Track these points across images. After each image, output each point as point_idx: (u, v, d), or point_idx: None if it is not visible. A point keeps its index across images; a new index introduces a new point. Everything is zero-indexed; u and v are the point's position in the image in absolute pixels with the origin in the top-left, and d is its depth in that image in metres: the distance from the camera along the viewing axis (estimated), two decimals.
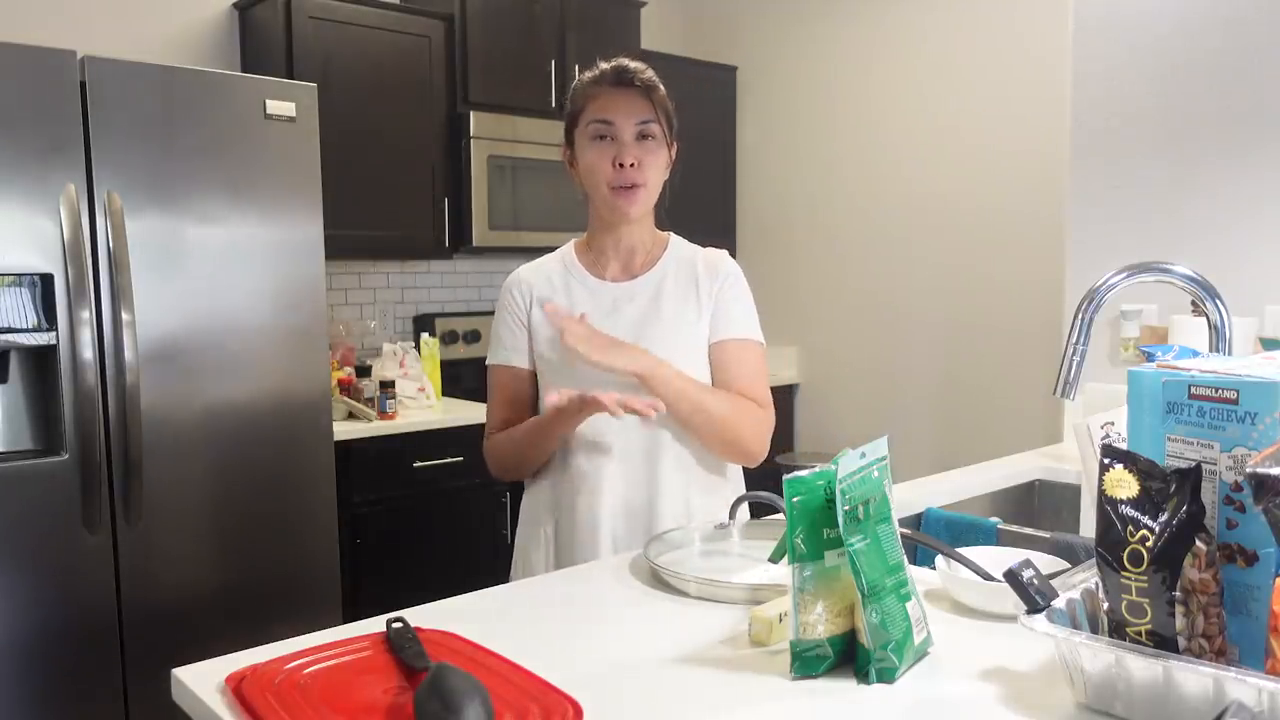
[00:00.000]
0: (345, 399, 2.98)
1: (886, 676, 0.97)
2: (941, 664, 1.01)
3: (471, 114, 3.34)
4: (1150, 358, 1.18)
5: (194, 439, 2.34)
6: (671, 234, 1.64)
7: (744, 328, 1.57)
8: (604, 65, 1.53)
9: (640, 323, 1.54)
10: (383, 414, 2.99)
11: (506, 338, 1.63)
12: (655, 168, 1.52)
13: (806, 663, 0.99)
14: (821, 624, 0.98)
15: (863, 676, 0.98)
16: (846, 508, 0.96)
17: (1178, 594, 0.84)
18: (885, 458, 1.04)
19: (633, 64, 1.51)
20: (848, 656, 1.00)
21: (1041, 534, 1.50)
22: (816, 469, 1.00)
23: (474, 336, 3.75)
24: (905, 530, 1.17)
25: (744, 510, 1.48)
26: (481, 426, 3.12)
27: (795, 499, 0.98)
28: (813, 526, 0.98)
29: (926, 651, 1.03)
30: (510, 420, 1.63)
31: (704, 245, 1.64)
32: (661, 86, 1.52)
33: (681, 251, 1.61)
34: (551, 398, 1.39)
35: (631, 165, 1.48)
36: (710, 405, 1.49)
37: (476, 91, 3.40)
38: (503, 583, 1.33)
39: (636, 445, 1.52)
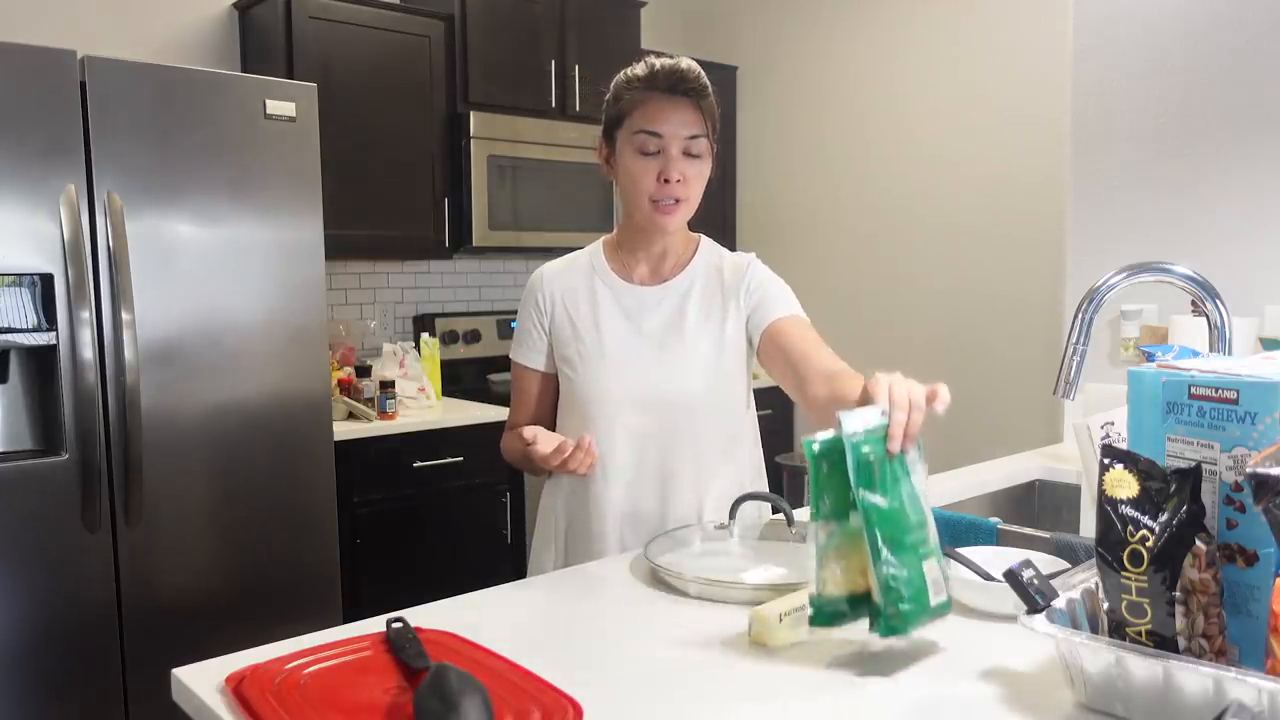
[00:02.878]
0: (345, 399, 2.98)
1: (899, 629, 0.97)
2: (941, 664, 1.01)
3: (471, 114, 3.34)
4: (1150, 358, 1.18)
5: (194, 439, 2.34)
6: (702, 236, 1.62)
7: (784, 307, 1.54)
8: (656, 64, 1.46)
9: (662, 330, 1.53)
10: (383, 414, 2.99)
11: (525, 338, 1.61)
12: (699, 182, 1.47)
13: (824, 617, 1.01)
14: (841, 581, 1.01)
15: (874, 627, 0.99)
16: (858, 462, 0.98)
17: (1178, 594, 0.84)
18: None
19: (686, 67, 1.45)
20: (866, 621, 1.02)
21: (1041, 534, 1.50)
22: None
23: (474, 336, 3.75)
24: None
25: (744, 510, 1.48)
26: (481, 426, 3.15)
27: (823, 461, 1.00)
28: (839, 487, 1.00)
29: (946, 614, 1.02)
30: (523, 419, 1.62)
31: None
32: (711, 91, 1.46)
33: (710, 257, 1.58)
34: (540, 447, 1.38)
35: (678, 181, 1.44)
36: None
37: (476, 91, 3.40)
38: (502, 583, 1.33)
39: (650, 451, 1.52)
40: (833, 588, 1.01)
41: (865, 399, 1.07)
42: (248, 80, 2.42)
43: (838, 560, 1.01)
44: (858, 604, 1.02)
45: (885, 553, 0.97)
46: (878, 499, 0.99)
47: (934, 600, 1.00)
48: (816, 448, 1.00)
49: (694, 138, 1.44)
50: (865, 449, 0.99)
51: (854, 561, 1.01)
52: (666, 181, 1.44)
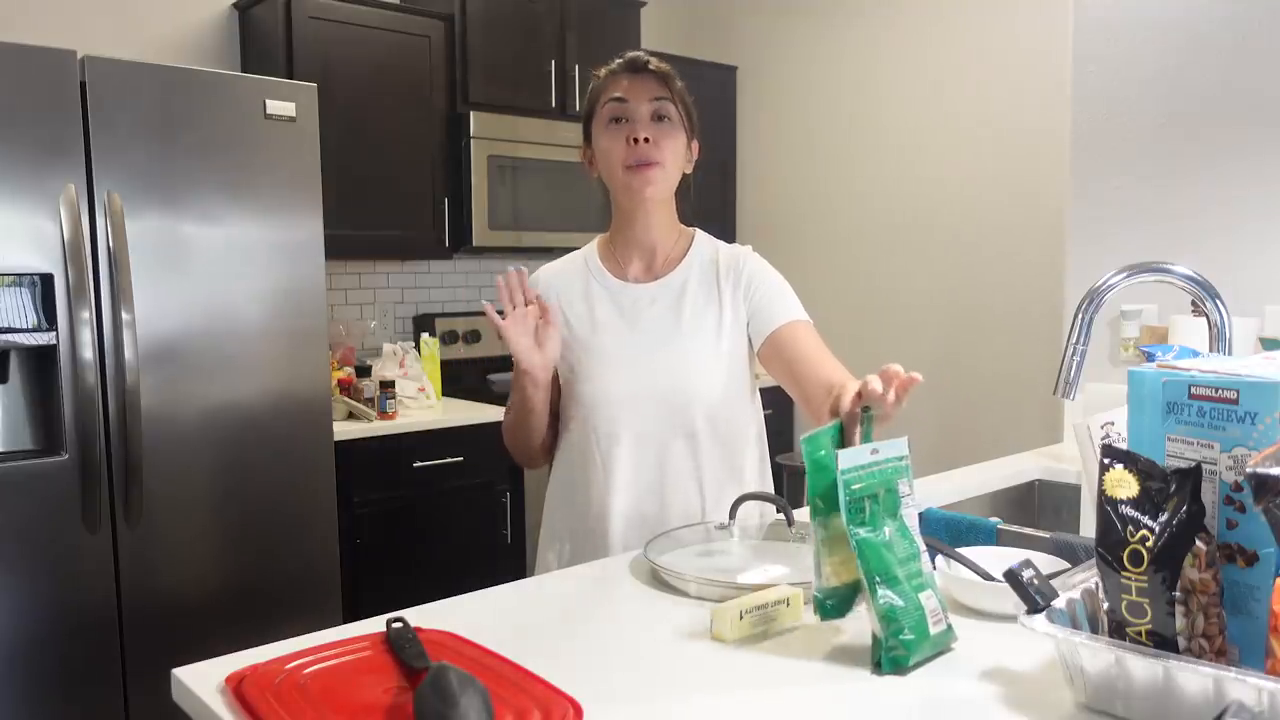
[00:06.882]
0: (345, 399, 2.98)
1: (900, 664, 0.98)
2: (941, 664, 1.01)
3: (471, 114, 3.34)
4: (1150, 358, 1.18)
5: (194, 439, 2.34)
6: (696, 230, 1.62)
7: (785, 312, 1.53)
8: (620, 57, 1.52)
9: (659, 328, 1.53)
10: (383, 414, 2.99)
11: None
12: (672, 150, 1.48)
13: (827, 610, 1.05)
14: (842, 571, 1.04)
15: (875, 666, 0.99)
16: (850, 499, 0.99)
17: (1178, 594, 0.84)
18: (904, 456, 1.06)
19: (648, 56, 1.51)
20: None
21: (1041, 534, 1.50)
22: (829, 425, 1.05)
23: (474, 336, 3.75)
24: None
25: (744, 510, 1.47)
26: (481, 426, 3.15)
27: (814, 458, 1.03)
28: (832, 483, 1.01)
29: (949, 646, 1.03)
30: None
31: None
32: (678, 78, 1.51)
33: (704, 251, 1.58)
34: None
35: (646, 140, 1.45)
36: None
37: (476, 91, 3.40)
38: (502, 583, 1.33)
39: (650, 449, 1.52)
40: (834, 579, 1.04)
41: (835, 411, 1.11)
42: (248, 80, 2.42)
43: (836, 552, 1.03)
44: (855, 591, 1.05)
45: (881, 587, 0.98)
46: (870, 535, 1.00)
47: (934, 629, 1.01)
48: (808, 446, 1.03)
49: (659, 100, 1.48)
50: (856, 486, 1.00)
51: (850, 553, 1.02)
52: (635, 141, 1.45)
